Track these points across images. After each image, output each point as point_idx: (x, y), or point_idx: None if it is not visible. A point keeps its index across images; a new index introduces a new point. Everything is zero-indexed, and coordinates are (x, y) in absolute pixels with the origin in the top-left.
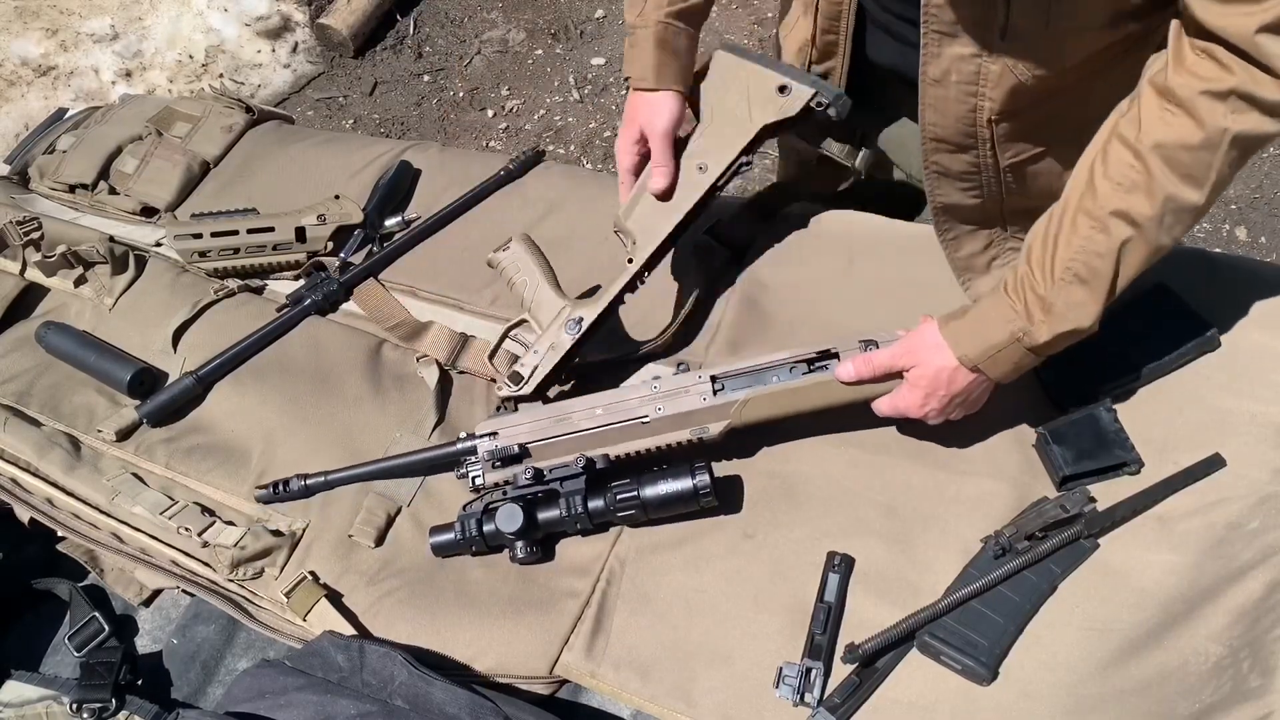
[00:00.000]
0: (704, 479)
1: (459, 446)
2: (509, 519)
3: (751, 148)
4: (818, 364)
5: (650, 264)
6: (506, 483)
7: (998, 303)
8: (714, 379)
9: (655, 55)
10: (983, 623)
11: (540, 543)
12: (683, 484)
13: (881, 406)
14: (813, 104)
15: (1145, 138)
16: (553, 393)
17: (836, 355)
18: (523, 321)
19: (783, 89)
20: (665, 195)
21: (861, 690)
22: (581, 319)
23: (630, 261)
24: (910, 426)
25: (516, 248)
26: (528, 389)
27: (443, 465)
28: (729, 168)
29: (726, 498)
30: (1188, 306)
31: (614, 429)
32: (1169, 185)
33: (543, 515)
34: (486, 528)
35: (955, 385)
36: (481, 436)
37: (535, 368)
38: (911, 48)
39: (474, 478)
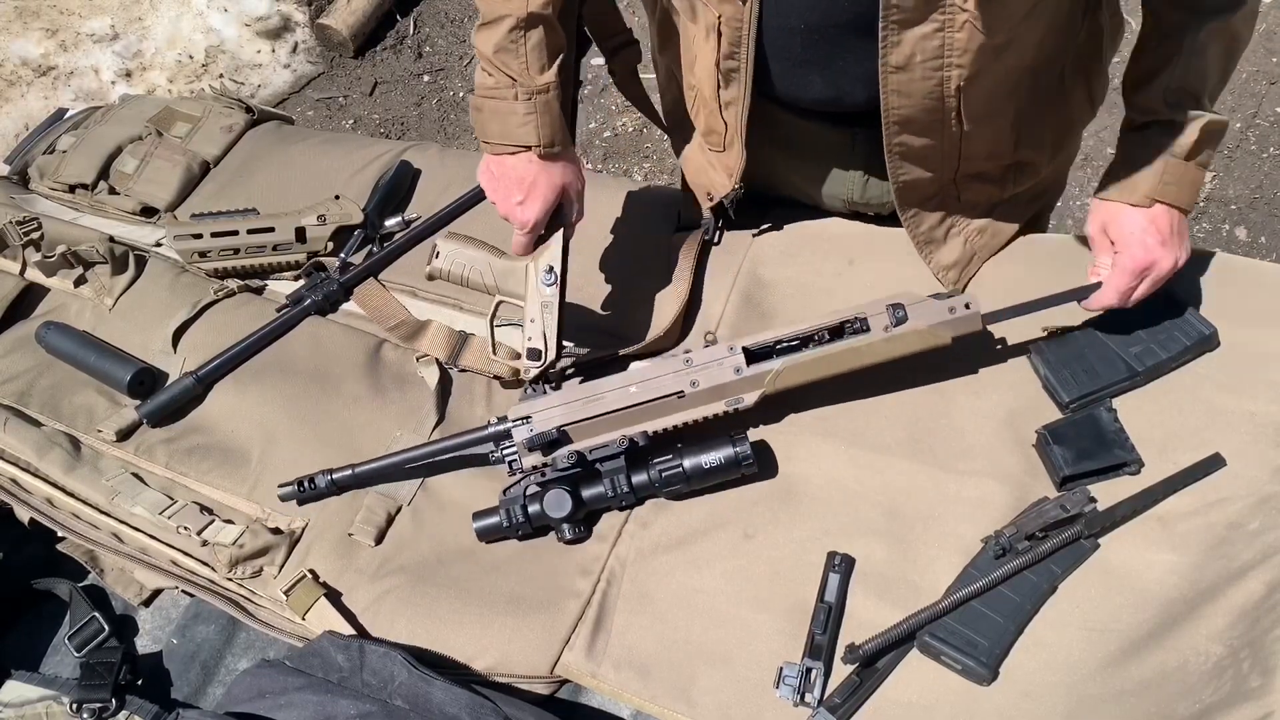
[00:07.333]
0: (745, 448)
1: (491, 430)
2: (557, 505)
3: None
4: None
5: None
6: (545, 464)
7: (1129, 153)
8: (745, 350)
9: (560, 118)
10: (983, 623)
11: (584, 521)
12: (726, 453)
13: (1105, 299)
14: None
15: None
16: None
17: (865, 322)
18: (499, 304)
19: None
20: None
21: (862, 690)
22: (551, 266)
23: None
24: (910, 424)
25: (446, 246)
26: (551, 354)
27: (472, 458)
28: None
29: (763, 464)
30: (1188, 306)
31: (649, 406)
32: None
33: (587, 493)
34: (531, 509)
35: (1158, 226)
36: (516, 421)
37: (544, 333)
38: (833, 63)
39: (511, 461)
